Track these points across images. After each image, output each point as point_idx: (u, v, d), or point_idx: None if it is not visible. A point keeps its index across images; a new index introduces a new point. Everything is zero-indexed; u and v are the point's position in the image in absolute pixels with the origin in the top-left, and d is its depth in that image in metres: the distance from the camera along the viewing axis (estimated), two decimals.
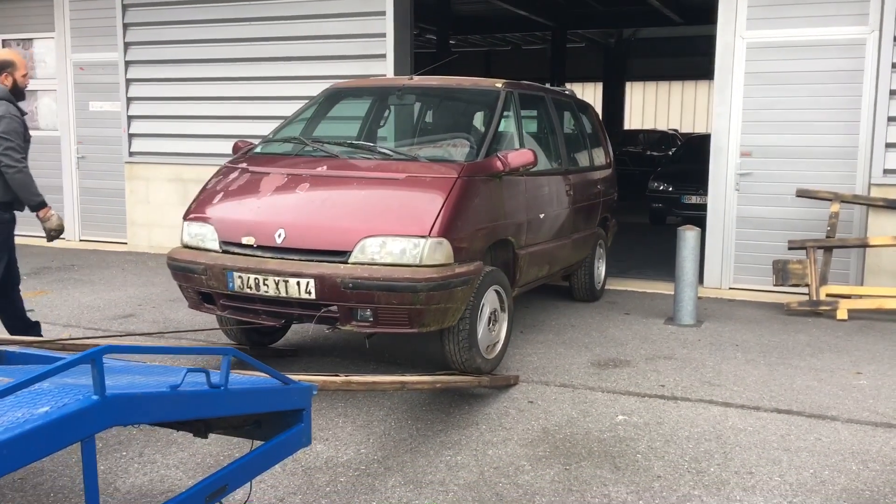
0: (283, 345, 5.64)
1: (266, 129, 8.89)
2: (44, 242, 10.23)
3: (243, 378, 2.69)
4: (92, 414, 1.93)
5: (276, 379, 2.62)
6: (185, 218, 4.94)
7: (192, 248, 4.79)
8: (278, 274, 4.34)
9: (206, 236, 4.74)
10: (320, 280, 4.25)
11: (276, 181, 4.84)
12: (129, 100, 9.72)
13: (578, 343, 5.82)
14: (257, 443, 2.74)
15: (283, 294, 4.36)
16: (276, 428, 2.72)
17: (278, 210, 4.64)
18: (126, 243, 9.95)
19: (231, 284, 4.49)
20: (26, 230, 10.58)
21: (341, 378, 3.30)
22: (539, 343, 5.78)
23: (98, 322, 6.31)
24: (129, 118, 9.74)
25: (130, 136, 9.77)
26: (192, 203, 5.01)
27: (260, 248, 4.52)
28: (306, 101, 6.02)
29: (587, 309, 6.89)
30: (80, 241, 10.32)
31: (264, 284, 4.39)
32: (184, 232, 4.89)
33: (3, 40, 10.57)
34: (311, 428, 2.76)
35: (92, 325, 6.20)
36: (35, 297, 7.08)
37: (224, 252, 4.64)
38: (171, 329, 6.10)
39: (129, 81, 9.69)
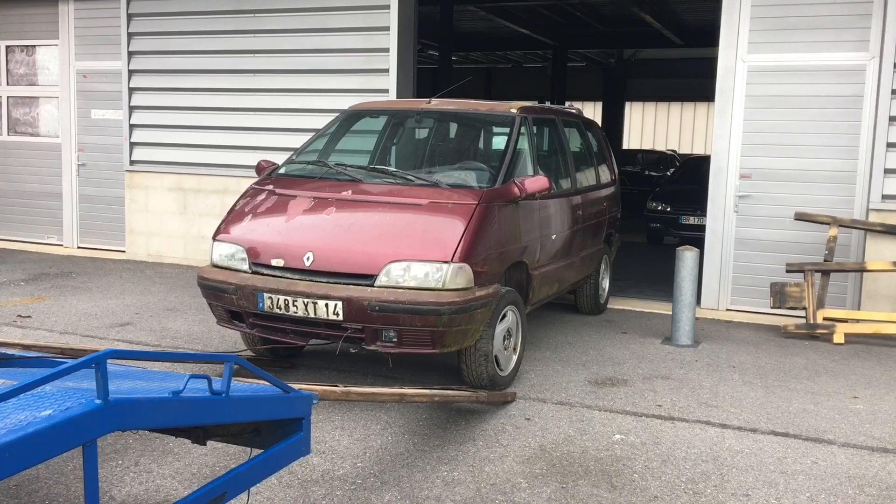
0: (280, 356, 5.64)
1: (268, 140, 8.94)
2: (42, 248, 10.23)
3: (244, 385, 2.69)
4: (95, 418, 1.93)
5: (276, 387, 2.62)
6: (215, 238, 5.07)
7: (222, 268, 4.91)
8: (307, 296, 4.50)
9: (236, 257, 4.88)
10: (348, 302, 4.41)
11: (303, 204, 4.99)
12: (132, 108, 9.74)
13: (576, 361, 5.82)
14: (255, 451, 2.74)
15: (312, 315, 4.52)
16: (275, 436, 2.72)
17: (306, 233, 4.79)
18: (124, 251, 9.94)
19: (261, 304, 4.65)
20: (25, 236, 10.59)
21: (341, 388, 3.30)
22: (536, 360, 5.78)
23: (95, 329, 6.30)
24: (131, 127, 9.76)
25: (132, 144, 9.78)
26: (221, 223, 5.16)
27: (288, 269, 4.66)
28: (327, 122, 6.16)
29: (585, 327, 6.89)
30: (79, 248, 10.30)
31: (293, 305, 4.54)
32: (213, 251, 5.03)
33: (7, 46, 10.60)
34: (310, 437, 2.76)
35: (89, 333, 6.18)
36: (33, 304, 7.06)
37: (254, 273, 4.78)
38: (169, 340, 6.09)
39: (131, 90, 9.71)
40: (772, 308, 7.02)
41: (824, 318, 6.76)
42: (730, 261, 7.56)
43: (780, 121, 7.32)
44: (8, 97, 10.67)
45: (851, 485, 3.85)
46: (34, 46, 10.51)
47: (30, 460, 1.82)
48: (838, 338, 6.57)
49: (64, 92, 10.26)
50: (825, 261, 6.83)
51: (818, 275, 6.88)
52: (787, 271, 6.91)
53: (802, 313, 6.98)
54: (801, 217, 6.98)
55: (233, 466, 3.55)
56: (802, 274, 6.89)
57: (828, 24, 7.12)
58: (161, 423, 2.19)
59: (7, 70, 10.67)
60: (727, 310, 7.59)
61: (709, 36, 10.70)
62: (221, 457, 3.88)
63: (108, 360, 1.97)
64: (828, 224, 6.90)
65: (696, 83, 22.60)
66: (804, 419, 4.74)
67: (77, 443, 1.91)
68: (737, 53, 7.40)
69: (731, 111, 7.46)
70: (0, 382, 2.18)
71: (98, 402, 1.94)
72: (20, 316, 6.63)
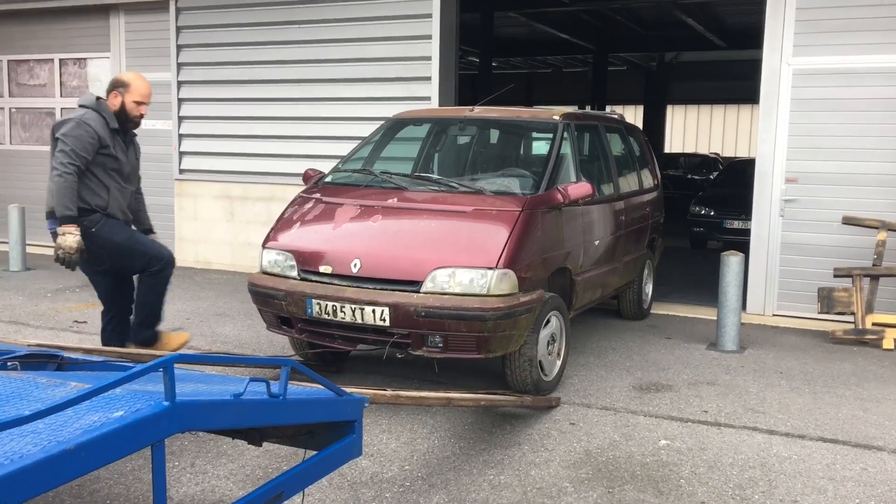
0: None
1: (312, 148, 9.09)
2: None
3: (300, 388, 2.77)
4: (163, 419, 2.02)
5: (330, 390, 2.70)
6: (265, 245, 5.19)
7: (271, 275, 5.02)
8: (355, 302, 4.59)
9: (285, 264, 4.99)
10: (394, 308, 4.50)
11: (350, 212, 5.08)
12: (181, 118, 9.98)
13: (620, 366, 5.83)
14: (310, 453, 2.82)
15: (359, 321, 4.61)
16: (327, 438, 2.80)
17: (353, 241, 4.89)
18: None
19: (310, 310, 4.75)
20: None
21: (390, 392, 3.38)
22: (580, 365, 5.80)
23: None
24: (180, 136, 10.00)
25: (181, 153, 10.02)
26: (270, 231, 5.28)
27: (336, 276, 4.76)
28: (372, 131, 6.25)
29: (628, 332, 6.89)
30: None
31: (341, 311, 4.64)
32: (263, 258, 5.15)
33: (60, 60, 10.94)
34: (362, 439, 2.83)
35: None
36: (88, 310, 7.28)
37: (302, 279, 4.88)
38: (219, 345, 6.23)
39: (180, 101, 9.95)
40: (819, 313, 6.94)
41: (873, 324, 6.67)
42: (776, 265, 7.48)
43: (827, 124, 7.24)
44: (61, 108, 11.00)
45: None
46: (86, 59, 10.83)
47: (103, 459, 1.91)
48: (888, 343, 6.47)
49: None
50: (874, 265, 6.73)
51: (867, 279, 6.79)
52: (835, 276, 6.82)
53: (851, 318, 6.88)
54: (848, 221, 6.89)
55: (285, 468, 3.65)
56: (850, 279, 6.80)
57: (875, 25, 7.03)
58: (222, 424, 2.29)
59: (61, 82, 11.01)
60: (773, 315, 7.51)
61: (752, 38, 10.59)
62: (273, 459, 3.98)
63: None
64: (876, 228, 6.80)
65: (739, 85, 22.32)
66: (853, 425, 4.69)
67: (146, 443, 2.01)
68: (781, 56, 7.34)
69: (777, 115, 7.39)
70: (73, 385, 2.30)
71: (166, 403, 2.04)
72: (76, 321, 6.84)
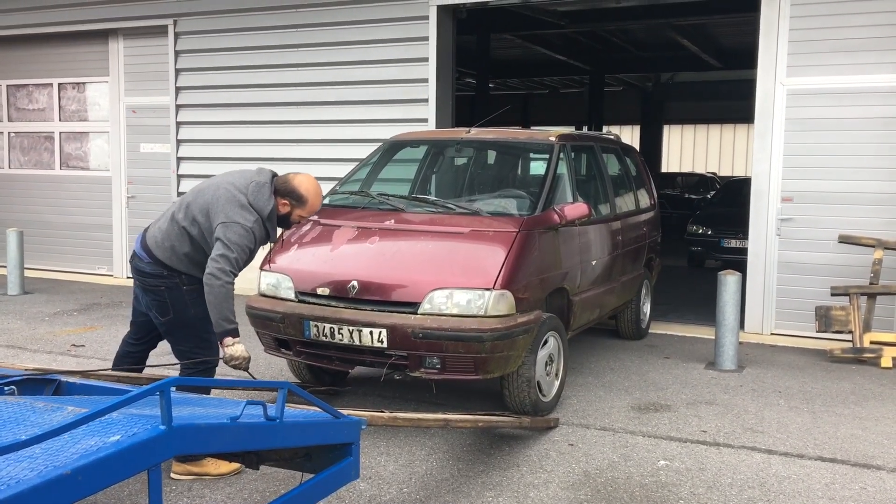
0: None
1: (311, 170, 9.03)
2: (93, 279, 10.53)
3: (297, 411, 2.77)
4: (160, 443, 2.02)
5: (327, 413, 2.70)
6: (262, 268, 5.18)
7: (269, 297, 5.02)
8: (352, 324, 4.59)
9: (282, 286, 4.98)
10: (392, 330, 4.50)
11: (347, 234, 5.09)
12: (179, 142, 10.03)
13: (618, 386, 5.82)
14: (307, 476, 2.81)
15: (357, 342, 4.61)
16: (325, 461, 2.80)
17: (350, 262, 4.89)
18: None
19: (307, 332, 4.74)
20: (77, 267, 10.90)
21: (388, 414, 3.37)
22: (578, 386, 5.79)
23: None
24: (179, 159, 10.04)
25: (179, 176, 10.05)
26: (267, 253, 5.25)
27: (333, 297, 4.76)
28: (370, 153, 6.27)
29: (626, 352, 6.88)
30: (128, 277, 10.56)
31: (339, 333, 4.64)
32: (261, 281, 5.14)
33: (59, 84, 11.00)
34: (359, 461, 2.83)
35: None
36: (86, 333, 7.27)
37: (300, 301, 4.87)
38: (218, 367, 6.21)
39: (179, 124, 10.01)
40: (817, 332, 6.94)
41: (871, 342, 6.67)
42: (773, 284, 7.50)
43: (822, 143, 7.28)
44: (60, 132, 11.06)
45: None
46: (85, 84, 10.90)
47: (101, 483, 1.91)
48: (886, 361, 6.47)
49: (114, 127, 10.60)
50: (871, 283, 6.74)
51: (864, 298, 6.80)
52: (832, 294, 6.84)
53: (848, 337, 6.89)
54: (844, 240, 6.91)
55: (283, 491, 3.64)
56: (847, 297, 6.81)
57: (868, 45, 7.09)
58: (219, 447, 2.29)
59: (60, 106, 11.07)
60: (771, 334, 7.51)
61: (747, 58, 10.67)
62: (271, 482, 3.97)
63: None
64: (872, 246, 6.82)
65: (735, 105, 22.43)
66: (852, 444, 4.69)
67: (143, 467, 2.01)
68: (776, 77, 7.40)
69: (772, 134, 7.44)
70: (70, 410, 2.30)
71: (163, 427, 2.04)
72: (74, 345, 6.84)
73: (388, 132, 7.22)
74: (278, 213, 4.12)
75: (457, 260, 4.75)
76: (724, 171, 29.20)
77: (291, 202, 4.10)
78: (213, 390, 4.62)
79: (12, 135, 11.42)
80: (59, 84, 11.03)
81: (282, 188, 4.11)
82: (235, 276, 3.95)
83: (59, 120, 11.07)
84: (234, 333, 3.94)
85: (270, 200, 4.05)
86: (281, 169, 8.70)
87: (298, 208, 4.12)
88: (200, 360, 4.16)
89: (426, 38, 8.54)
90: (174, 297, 4.11)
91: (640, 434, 4.81)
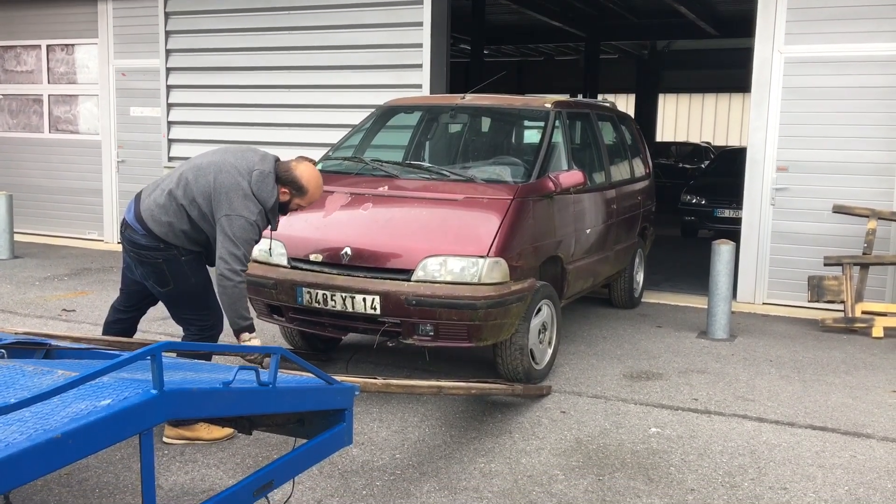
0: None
1: (304, 136, 9.03)
2: (84, 244, 10.46)
3: (290, 377, 2.76)
4: (151, 407, 2.00)
5: (321, 378, 2.68)
6: None
7: (261, 263, 4.97)
8: (345, 290, 4.56)
9: (275, 252, 4.94)
10: (385, 297, 4.47)
11: (341, 200, 5.05)
12: (170, 106, 9.90)
13: (610, 355, 5.84)
14: (300, 442, 2.81)
15: (350, 309, 4.58)
16: (318, 427, 2.79)
17: (344, 229, 4.86)
18: None
19: (300, 299, 4.72)
20: (67, 231, 10.82)
21: (381, 380, 3.37)
22: (571, 354, 5.81)
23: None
24: (169, 124, 9.92)
25: (170, 141, 9.95)
26: None
27: (326, 264, 4.73)
28: (363, 118, 6.20)
29: (619, 321, 6.90)
30: (118, 243, 10.50)
31: (332, 300, 4.61)
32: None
33: (48, 45, 10.83)
34: (352, 427, 2.82)
35: None
36: (76, 298, 7.24)
37: (293, 268, 4.84)
38: None
39: (169, 87, 9.87)
40: (809, 302, 6.96)
41: (863, 312, 6.69)
42: (766, 254, 7.50)
43: (818, 112, 7.24)
44: (49, 95, 10.91)
45: (890, 478, 3.83)
46: (73, 45, 10.73)
47: (91, 448, 1.90)
48: (877, 331, 6.50)
49: (103, 90, 10.46)
50: (864, 254, 6.75)
51: (857, 268, 6.81)
52: (825, 264, 6.84)
53: (840, 307, 6.91)
54: (839, 210, 6.90)
55: (276, 456, 3.64)
56: (840, 267, 6.82)
57: (866, 13, 7.02)
58: (212, 412, 2.27)
59: (48, 69, 10.91)
60: (764, 303, 7.53)
61: (744, 26, 10.58)
62: (263, 447, 3.97)
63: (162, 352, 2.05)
64: (866, 216, 6.82)
65: (732, 74, 22.29)
66: (842, 413, 4.72)
67: (134, 431, 1.99)
68: (773, 45, 7.33)
69: (768, 103, 7.39)
70: (60, 373, 2.27)
71: (154, 391, 2.02)
72: (65, 310, 6.80)
73: (382, 98, 7.14)
74: (280, 201, 4.03)
75: (451, 227, 4.72)
76: (719, 141, 29.11)
77: (292, 191, 4.02)
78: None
79: (1, 97, 11.27)
80: (48, 46, 10.86)
81: (283, 176, 4.01)
82: (245, 270, 3.93)
83: (48, 82, 10.92)
84: (251, 329, 3.91)
85: (274, 191, 3.96)
86: (274, 134, 8.55)
87: (298, 197, 4.04)
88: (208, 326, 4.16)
89: (420, 2, 8.41)
90: (174, 269, 4.03)
91: (632, 402, 4.82)
